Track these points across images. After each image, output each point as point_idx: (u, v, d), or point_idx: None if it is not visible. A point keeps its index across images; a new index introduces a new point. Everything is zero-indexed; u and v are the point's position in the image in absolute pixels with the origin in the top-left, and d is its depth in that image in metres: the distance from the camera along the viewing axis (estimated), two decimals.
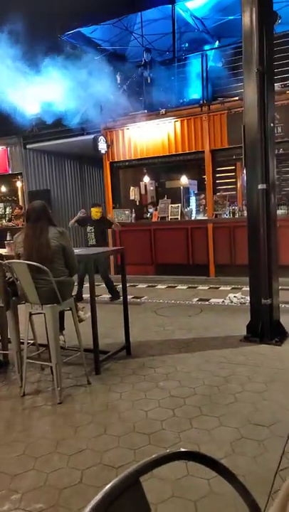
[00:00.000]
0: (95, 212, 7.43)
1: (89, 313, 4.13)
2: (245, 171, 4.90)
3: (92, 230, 7.40)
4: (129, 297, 6.91)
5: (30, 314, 3.79)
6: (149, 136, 9.64)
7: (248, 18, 4.54)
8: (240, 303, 6.68)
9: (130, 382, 3.88)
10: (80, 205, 12.90)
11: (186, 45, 11.63)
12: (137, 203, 11.24)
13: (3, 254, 4.41)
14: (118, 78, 10.03)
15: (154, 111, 9.49)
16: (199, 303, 6.97)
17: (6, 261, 3.75)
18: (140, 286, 8.67)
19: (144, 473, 0.70)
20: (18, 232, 3.84)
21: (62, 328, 4.70)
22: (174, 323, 5.77)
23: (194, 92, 9.54)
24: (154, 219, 9.89)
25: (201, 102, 8.99)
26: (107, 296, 7.46)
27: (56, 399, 3.60)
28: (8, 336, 4.25)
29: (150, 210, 10.60)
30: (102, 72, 9.48)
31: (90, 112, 9.64)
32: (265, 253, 4.66)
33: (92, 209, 7.54)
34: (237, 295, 6.92)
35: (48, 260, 3.61)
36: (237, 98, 8.26)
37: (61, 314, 4.55)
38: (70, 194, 12.76)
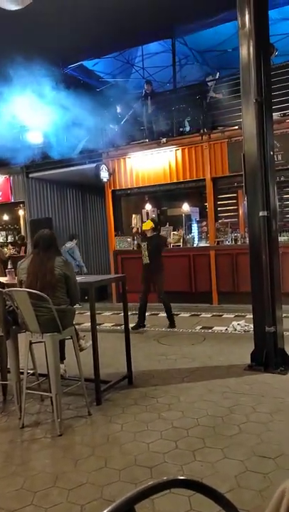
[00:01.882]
0: (144, 225, 7.38)
1: (90, 342, 4.13)
2: (246, 199, 4.97)
3: (145, 247, 7.29)
4: (131, 325, 6.91)
5: (31, 343, 3.79)
6: (151, 164, 9.83)
7: (246, 51, 4.73)
8: (244, 331, 6.65)
9: (132, 413, 3.84)
10: (82, 233, 13.01)
11: (186, 76, 12.02)
12: (139, 231, 11.31)
13: (4, 282, 4.44)
14: (119, 109, 10.33)
15: (155, 140, 9.72)
16: (202, 331, 6.95)
17: (7, 289, 3.78)
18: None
19: (139, 500, 0.68)
20: (22, 259, 3.89)
21: (62, 357, 4.69)
22: (176, 352, 5.74)
23: (194, 122, 9.78)
24: None
25: (202, 131, 9.22)
26: (109, 324, 7.48)
27: (56, 431, 3.56)
28: (8, 366, 4.23)
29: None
30: (104, 104, 9.79)
31: (92, 141, 9.89)
32: (268, 280, 4.68)
33: (144, 224, 7.49)
34: (240, 323, 6.88)
35: (50, 286, 3.64)
36: (236, 127, 8.47)
37: (62, 343, 4.55)
38: (71, 222, 12.88)
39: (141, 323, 7.38)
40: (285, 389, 4.17)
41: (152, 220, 7.70)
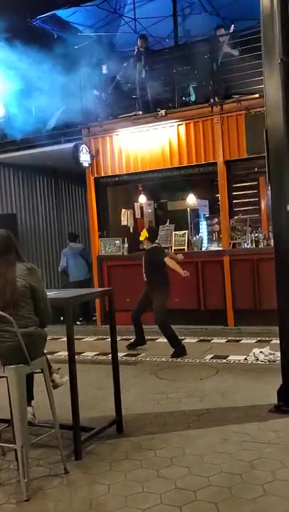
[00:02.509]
0: (140, 236, 7.84)
1: (67, 377, 4.11)
2: (270, 188, 4.99)
3: (143, 262, 7.77)
4: (120, 354, 6.85)
5: None
6: (145, 144, 9.87)
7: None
8: (269, 360, 6.65)
9: (122, 470, 3.82)
10: (56, 233, 12.99)
11: (190, 30, 12.06)
12: (131, 230, 11.38)
13: None
14: (104, 70, 10.36)
15: (151, 112, 9.76)
16: (214, 361, 6.94)
17: None
18: None
19: None
20: None
21: (30, 397, 4.65)
22: (180, 389, 5.73)
23: (202, 88, 9.83)
24: None
25: (212, 100, 9.26)
26: (92, 353, 7.44)
27: (22, 494, 3.53)
28: None
29: None
30: (85, 65, 9.81)
31: (69, 114, 9.89)
32: None
33: (143, 232, 7.87)
34: (264, 350, 6.88)
35: (12, 303, 3.63)
36: (257, 95, 8.54)
37: (29, 378, 4.51)
38: (42, 220, 12.86)
39: (140, 340, 7.78)
40: None
41: (150, 229, 7.98)
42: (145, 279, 7.69)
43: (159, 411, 5.06)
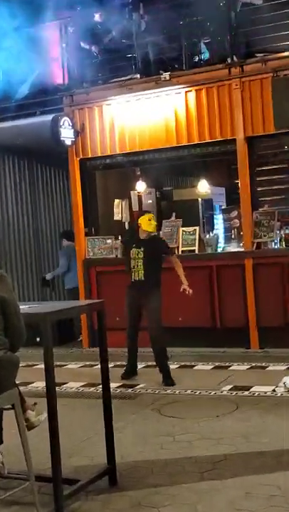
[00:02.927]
0: (147, 223, 7.68)
1: (45, 415, 4.09)
2: None
3: (141, 255, 7.58)
4: (114, 385, 6.85)
5: None
6: (145, 116, 9.84)
7: None
8: None
9: None
10: (31, 230, 12.92)
11: None
12: (126, 226, 11.42)
13: None
14: (98, 18, 10.32)
15: (152, 75, 9.74)
16: (233, 393, 6.93)
17: None
18: None
19: None
20: None
21: None
22: (190, 430, 5.70)
23: (217, 45, 9.78)
24: None
25: (230, 60, 9.23)
26: (77, 384, 7.44)
27: None
28: None
29: None
30: (67, 9, 9.74)
31: (47, 77, 9.98)
32: None
33: (141, 218, 7.77)
34: None
35: None
36: (287, 54, 8.53)
37: None
38: (12, 213, 12.77)
39: (133, 368, 7.75)
40: None
41: (150, 213, 8.02)
42: (138, 279, 7.61)
43: (164, 458, 5.04)
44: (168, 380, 7.46)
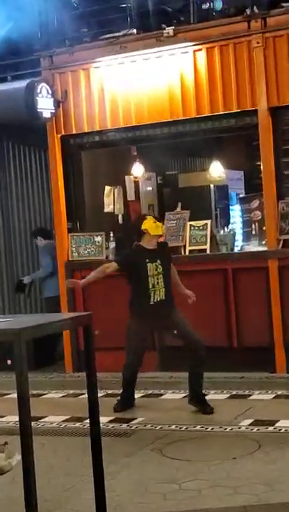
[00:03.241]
0: (153, 226, 7.83)
1: (18, 457, 4.02)
2: None
3: (160, 269, 7.75)
4: (105, 419, 6.86)
5: None
6: (143, 82, 9.80)
7: None
8: None
9: None
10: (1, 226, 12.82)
11: None
12: (120, 220, 11.46)
13: None
14: None
15: (151, 31, 9.69)
16: (255, 429, 6.91)
17: None
18: None
19: None
20: None
21: None
22: (200, 475, 5.68)
23: None
24: None
25: (249, 10, 9.17)
26: (59, 418, 7.55)
27: None
28: None
29: None
30: None
31: (20, 34, 9.84)
32: None
33: (145, 223, 7.82)
34: None
35: None
36: None
37: None
38: None
39: (130, 398, 7.88)
40: None
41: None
42: (159, 299, 7.70)
43: (168, 510, 5.02)
44: (207, 408, 7.55)
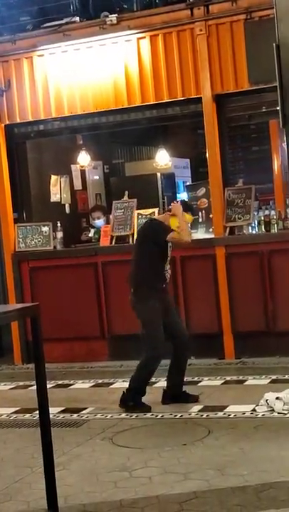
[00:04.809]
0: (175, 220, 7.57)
1: None
2: (285, 137, 5.01)
3: (170, 253, 7.67)
4: (54, 411, 6.85)
5: None
6: (87, 70, 9.81)
7: None
8: None
9: None
10: None
11: None
12: (67, 210, 11.49)
13: None
14: None
15: (94, 18, 9.68)
16: (205, 415, 6.96)
17: None
18: (79, 385, 8.62)
19: None
20: None
21: None
22: (151, 463, 5.70)
23: None
24: (105, 242, 9.99)
25: None
26: (7, 410, 7.47)
27: None
28: None
29: (96, 223, 10.64)
30: None
31: None
32: None
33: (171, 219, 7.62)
34: (282, 395, 6.92)
35: None
36: None
37: None
38: None
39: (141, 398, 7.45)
40: None
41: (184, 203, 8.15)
42: (166, 282, 7.69)
43: (119, 498, 4.99)
44: (190, 398, 7.48)
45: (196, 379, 8.43)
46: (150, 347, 7.43)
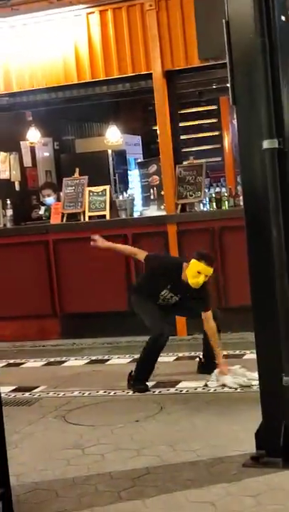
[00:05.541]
0: (193, 275, 7.02)
1: None
2: (236, 114, 5.03)
3: (171, 301, 7.34)
4: (5, 389, 6.93)
5: None
6: (36, 45, 9.75)
7: None
8: (241, 385, 6.76)
9: None
10: None
11: None
12: (17, 187, 11.39)
13: None
14: None
15: None
16: (156, 392, 7.02)
17: None
18: (31, 364, 8.61)
19: None
20: None
21: None
22: (103, 440, 5.74)
23: None
24: (55, 219, 9.97)
25: None
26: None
27: None
28: None
29: (47, 201, 10.60)
30: None
31: None
32: (284, 281, 4.76)
33: (192, 264, 7.00)
34: (233, 369, 7.00)
35: None
36: None
37: None
38: None
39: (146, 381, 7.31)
40: None
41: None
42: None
43: (71, 476, 5.03)
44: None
45: None
46: (151, 329, 7.24)
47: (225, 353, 7.92)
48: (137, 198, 10.63)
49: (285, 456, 4.83)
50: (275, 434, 4.87)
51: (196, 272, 6.95)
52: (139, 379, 7.15)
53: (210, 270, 7.02)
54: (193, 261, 6.96)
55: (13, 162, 11.24)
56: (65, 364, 8.50)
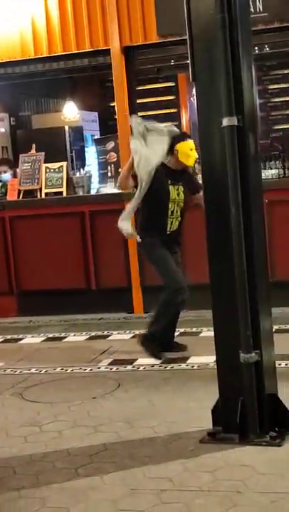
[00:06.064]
0: (186, 154, 7.01)
1: None
2: (195, 91, 5.01)
3: (181, 196, 7.13)
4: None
5: None
6: None
7: None
8: (197, 363, 6.84)
9: None
10: None
11: None
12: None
13: None
14: None
15: None
16: (113, 369, 7.09)
17: None
18: None
19: None
20: None
21: None
22: (60, 417, 5.76)
23: None
24: (12, 196, 9.92)
25: None
26: None
27: None
28: None
29: (3, 177, 10.53)
30: None
31: None
32: (243, 258, 4.80)
33: (181, 144, 7.00)
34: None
35: None
36: None
37: None
38: None
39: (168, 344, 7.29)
40: (280, 474, 4.32)
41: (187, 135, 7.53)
42: (173, 230, 7.21)
43: (28, 453, 5.03)
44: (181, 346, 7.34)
45: (105, 333, 8.54)
46: (167, 284, 7.18)
47: (182, 330, 8.00)
48: (94, 175, 10.62)
49: (242, 432, 4.89)
50: (232, 411, 4.92)
51: (189, 151, 7.01)
52: (153, 340, 7.16)
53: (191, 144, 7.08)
54: (180, 144, 6.96)
55: None
56: (22, 341, 8.48)
